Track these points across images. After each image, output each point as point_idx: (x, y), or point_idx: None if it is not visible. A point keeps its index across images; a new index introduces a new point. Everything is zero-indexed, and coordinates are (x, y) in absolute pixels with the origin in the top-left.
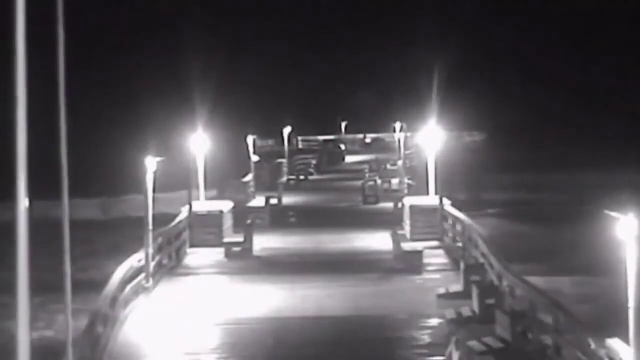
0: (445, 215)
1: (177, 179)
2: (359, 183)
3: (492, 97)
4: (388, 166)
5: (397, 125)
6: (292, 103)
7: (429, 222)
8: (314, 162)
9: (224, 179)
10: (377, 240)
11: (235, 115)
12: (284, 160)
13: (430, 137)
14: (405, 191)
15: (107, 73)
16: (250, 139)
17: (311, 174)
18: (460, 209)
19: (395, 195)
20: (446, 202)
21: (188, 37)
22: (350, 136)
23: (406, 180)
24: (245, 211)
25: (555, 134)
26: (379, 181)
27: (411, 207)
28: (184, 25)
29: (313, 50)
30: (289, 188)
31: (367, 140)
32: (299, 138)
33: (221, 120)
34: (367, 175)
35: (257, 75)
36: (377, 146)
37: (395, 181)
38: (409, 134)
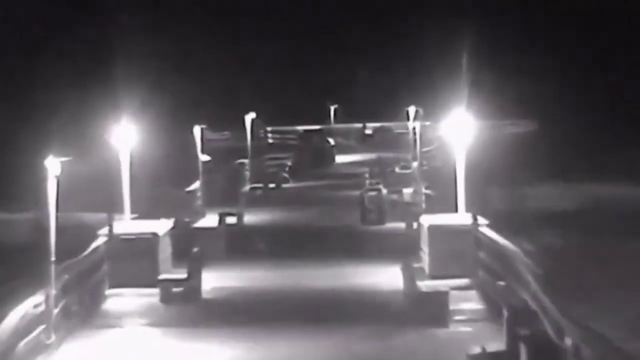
0: (480, 241)
1: (92, 189)
2: (355, 194)
3: (548, 73)
4: (398, 170)
5: (411, 110)
6: (258, 80)
7: (457, 251)
8: (289, 163)
9: (159, 187)
10: (383, 277)
11: (181, 100)
12: (246, 161)
13: (458, 128)
14: (423, 205)
15: None
16: (197, 130)
17: (286, 180)
18: (501, 231)
19: (409, 212)
20: (482, 222)
21: None
22: (342, 126)
23: (424, 190)
24: (191, 234)
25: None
26: (384, 191)
27: (431, 228)
28: None
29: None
30: (254, 201)
31: (368, 131)
32: (268, 129)
33: (159, 107)
34: (367, 182)
35: (210, 46)
36: (381, 140)
37: (408, 191)
38: (427, 123)
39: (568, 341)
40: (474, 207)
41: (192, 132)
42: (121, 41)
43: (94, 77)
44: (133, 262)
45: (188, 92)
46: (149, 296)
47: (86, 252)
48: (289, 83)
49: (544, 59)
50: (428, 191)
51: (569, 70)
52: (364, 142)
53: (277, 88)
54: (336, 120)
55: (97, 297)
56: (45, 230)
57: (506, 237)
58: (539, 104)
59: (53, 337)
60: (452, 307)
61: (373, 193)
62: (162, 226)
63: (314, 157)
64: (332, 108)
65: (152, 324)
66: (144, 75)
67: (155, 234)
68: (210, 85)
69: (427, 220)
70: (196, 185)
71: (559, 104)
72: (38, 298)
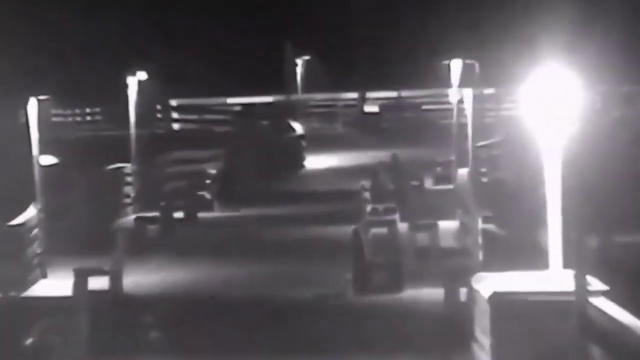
0: (593, 324)
1: None
2: (346, 232)
3: None
4: (428, 184)
5: (455, 66)
6: (154, 15)
7: (548, 344)
8: (214, 170)
9: None
10: None
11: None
12: (127, 166)
13: (549, 102)
14: (480, 254)
15: None
16: (33, 105)
17: (207, 204)
18: (636, 307)
19: (451, 267)
20: (596, 287)
21: None
22: (320, 97)
23: (480, 224)
24: (20, 312)
25: None
26: (401, 224)
27: (496, 299)
28: None
29: None
30: (143, 246)
31: (371, 107)
32: (173, 103)
33: None
34: (368, 209)
35: None
36: (397, 124)
37: (449, 226)
38: (488, 92)
39: None
40: (580, 259)
41: (23, 111)
42: None
43: None
44: None
45: (16, 37)
46: None
47: None
48: (211, 14)
49: None
50: (489, 226)
51: None
52: (362, 128)
53: (188, 24)
54: (307, 87)
55: None
56: None
57: None
58: None
59: None
60: None
61: (380, 230)
62: None
63: (264, 157)
64: (300, 62)
65: None
66: None
67: None
68: (57, 27)
69: (488, 283)
70: (29, 214)
71: None
72: None
